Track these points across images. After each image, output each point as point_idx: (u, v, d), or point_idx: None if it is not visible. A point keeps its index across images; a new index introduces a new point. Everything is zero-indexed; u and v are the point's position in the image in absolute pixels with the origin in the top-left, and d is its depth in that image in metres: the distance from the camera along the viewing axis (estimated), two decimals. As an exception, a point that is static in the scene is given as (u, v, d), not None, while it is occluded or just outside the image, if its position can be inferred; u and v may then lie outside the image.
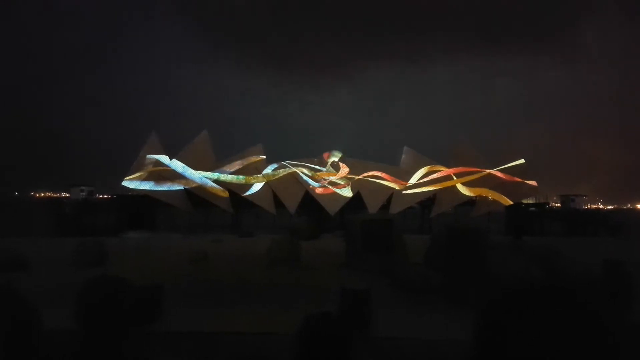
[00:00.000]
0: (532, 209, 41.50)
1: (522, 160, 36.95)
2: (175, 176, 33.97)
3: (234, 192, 34.27)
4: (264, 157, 36.97)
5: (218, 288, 11.13)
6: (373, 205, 33.66)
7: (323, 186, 35.80)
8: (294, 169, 36.00)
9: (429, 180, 35.93)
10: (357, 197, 34.73)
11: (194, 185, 33.79)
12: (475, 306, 1.81)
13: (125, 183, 33.52)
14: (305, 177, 35.83)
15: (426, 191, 35.76)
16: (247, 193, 33.94)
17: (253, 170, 35.31)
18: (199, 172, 33.77)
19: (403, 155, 39.36)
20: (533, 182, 36.30)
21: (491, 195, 36.25)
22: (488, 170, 36.22)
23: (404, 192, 35.52)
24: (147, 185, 33.51)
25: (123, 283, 2.90)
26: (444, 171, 36.51)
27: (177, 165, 33.34)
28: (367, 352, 6.42)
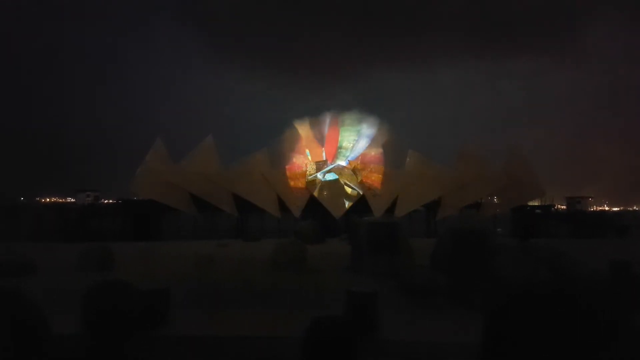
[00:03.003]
0: (538, 211, 41.34)
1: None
2: (181, 181, 34.13)
3: (239, 196, 34.39)
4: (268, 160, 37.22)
5: (224, 292, 11.13)
6: (378, 209, 33.65)
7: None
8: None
9: (435, 183, 35.89)
10: (362, 200, 34.73)
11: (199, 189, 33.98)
12: (483, 309, 1.80)
13: None
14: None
15: (431, 194, 35.70)
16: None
17: (259, 175, 35.42)
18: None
19: (407, 159, 39.33)
20: (539, 184, 36.22)
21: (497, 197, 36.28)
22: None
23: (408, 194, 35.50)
24: None
25: (129, 287, 2.92)
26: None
27: None
28: (374, 354, 6.41)
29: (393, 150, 39.51)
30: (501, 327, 1.63)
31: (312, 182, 36.00)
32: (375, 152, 39.82)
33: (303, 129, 43.16)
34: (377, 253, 13.98)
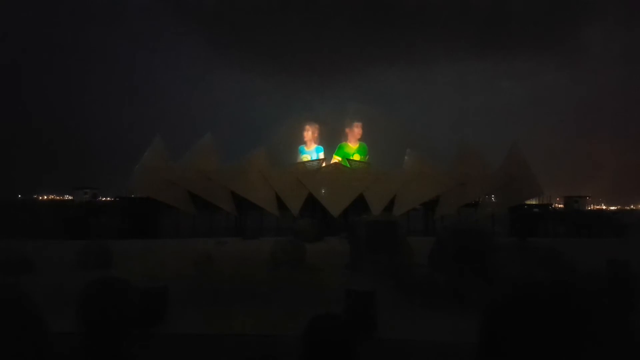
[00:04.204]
0: (536, 210, 41.37)
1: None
2: (179, 178, 34.10)
3: (238, 194, 34.38)
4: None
5: (222, 290, 11.13)
6: (376, 207, 33.63)
7: None
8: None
9: (433, 181, 35.91)
10: (360, 199, 34.72)
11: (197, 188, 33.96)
12: (480, 308, 1.79)
13: None
14: None
15: (430, 192, 35.72)
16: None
17: (257, 173, 35.39)
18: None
19: (406, 157, 39.37)
20: (537, 183, 36.28)
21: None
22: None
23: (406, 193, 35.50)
24: None
25: (127, 285, 2.89)
26: None
27: None
28: (372, 353, 6.41)
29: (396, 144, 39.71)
30: (498, 326, 1.62)
31: (311, 180, 35.95)
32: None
33: (301, 127, 43.23)
34: (376, 252, 14.00)
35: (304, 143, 44.38)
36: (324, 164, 38.89)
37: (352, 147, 43.70)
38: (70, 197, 52.54)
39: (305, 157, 42.71)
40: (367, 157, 43.47)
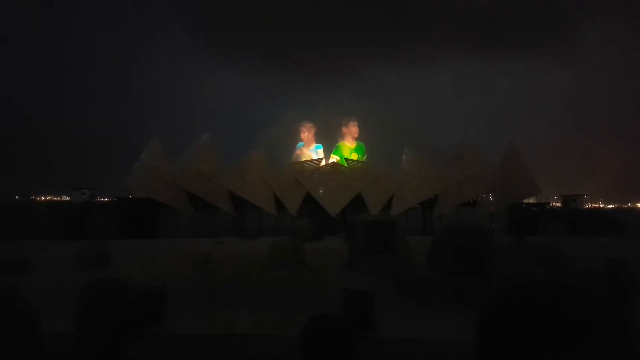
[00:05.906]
0: (534, 208, 41.44)
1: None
2: (178, 178, 34.09)
3: (236, 194, 34.37)
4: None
5: (221, 290, 11.12)
6: (375, 206, 33.66)
7: None
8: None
9: (432, 180, 35.94)
10: (358, 198, 34.73)
11: (196, 188, 33.94)
12: (478, 306, 1.79)
13: None
14: None
15: (428, 191, 35.75)
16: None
17: (256, 173, 35.39)
18: None
19: (404, 156, 39.39)
20: (535, 182, 36.33)
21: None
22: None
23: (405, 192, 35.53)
24: None
25: (125, 285, 2.89)
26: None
27: None
28: (371, 353, 6.41)
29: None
30: (496, 325, 1.63)
31: (309, 180, 35.96)
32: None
33: (298, 125, 43.31)
34: (374, 251, 13.99)
35: (303, 141, 44.50)
36: (322, 163, 38.91)
37: (350, 147, 43.75)
38: (68, 198, 52.38)
39: (305, 156, 42.76)
40: (365, 157, 43.50)
